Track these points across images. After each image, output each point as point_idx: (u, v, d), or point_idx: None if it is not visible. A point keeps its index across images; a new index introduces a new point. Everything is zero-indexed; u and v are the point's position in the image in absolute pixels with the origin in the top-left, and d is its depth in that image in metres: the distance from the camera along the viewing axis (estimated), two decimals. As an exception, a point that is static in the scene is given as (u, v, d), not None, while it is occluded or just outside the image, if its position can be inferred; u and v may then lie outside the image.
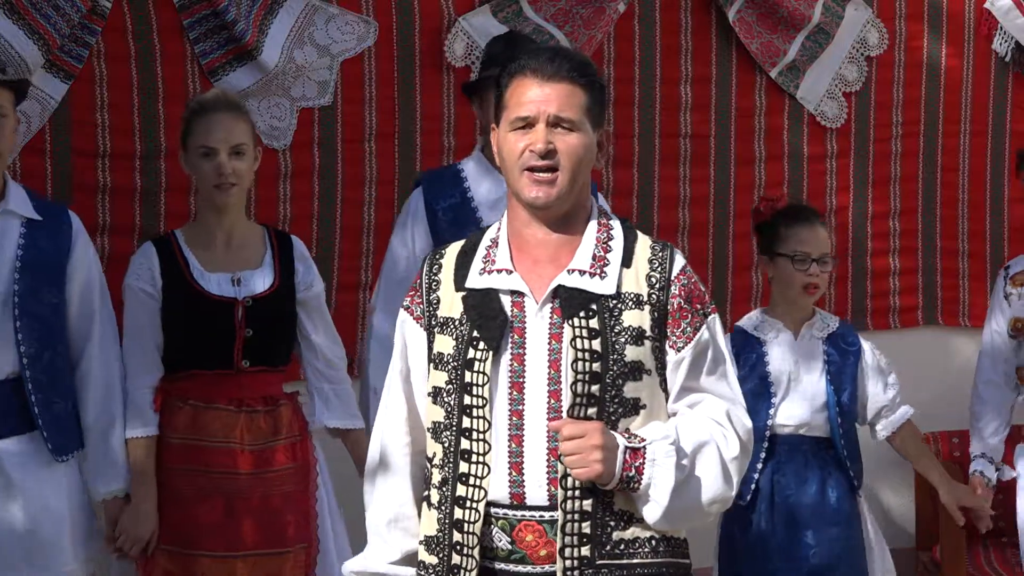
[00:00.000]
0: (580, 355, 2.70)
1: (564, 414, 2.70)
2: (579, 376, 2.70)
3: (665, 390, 2.79)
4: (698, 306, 2.79)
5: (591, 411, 2.69)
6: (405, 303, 2.91)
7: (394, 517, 2.91)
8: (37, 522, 3.63)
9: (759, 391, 4.13)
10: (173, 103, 4.68)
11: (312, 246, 4.68)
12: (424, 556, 2.83)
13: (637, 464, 2.68)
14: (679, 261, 2.81)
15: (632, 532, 2.72)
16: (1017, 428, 4.70)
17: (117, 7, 4.59)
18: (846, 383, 4.19)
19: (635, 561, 2.72)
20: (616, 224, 2.85)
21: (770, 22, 5.47)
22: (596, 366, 2.70)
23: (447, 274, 2.86)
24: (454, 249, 2.91)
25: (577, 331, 2.71)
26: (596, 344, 2.71)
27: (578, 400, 2.69)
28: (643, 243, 2.82)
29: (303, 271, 3.99)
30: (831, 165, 5.70)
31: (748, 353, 4.18)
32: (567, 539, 2.69)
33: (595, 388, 2.70)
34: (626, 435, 2.70)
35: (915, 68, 5.78)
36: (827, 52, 5.59)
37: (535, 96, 2.76)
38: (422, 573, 2.83)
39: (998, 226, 5.96)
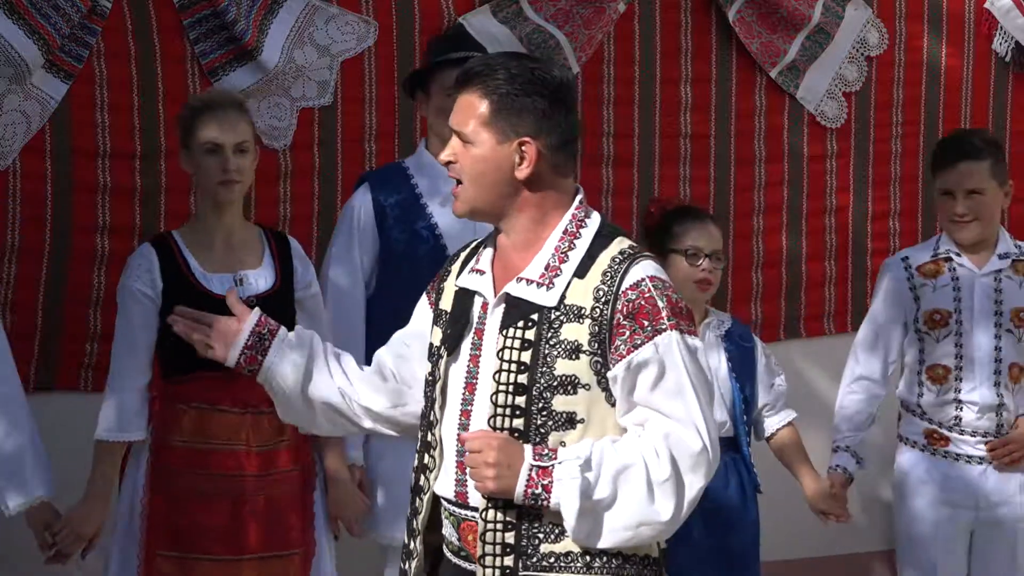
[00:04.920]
0: (505, 366, 2.68)
1: (485, 424, 2.70)
2: (500, 387, 2.68)
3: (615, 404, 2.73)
4: (644, 322, 2.66)
5: (517, 422, 2.67)
6: (428, 287, 2.97)
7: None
8: None
9: None
10: (173, 103, 4.67)
11: (312, 246, 4.68)
12: (403, 535, 2.92)
13: (545, 482, 2.63)
14: (634, 275, 2.69)
15: (564, 546, 2.68)
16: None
17: (117, 7, 4.59)
18: (746, 380, 4.19)
19: (564, 575, 2.68)
20: (587, 232, 2.77)
21: (770, 22, 5.47)
22: (522, 378, 2.67)
23: (457, 266, 2.89)
24: (473, 243, 2.94)
25: (508, 341, 2.69)
26: (526, 356, 2.67)
27: (499, 411, 2.68)
28: (608, 254, 2.74)
29: (301, 270, 3.99)
30: (831, 165, 5.70)
31: None
32: (487, 547, 2.68)
33: (520, 400, 2.67)
34: (542, 450, 2.65)
35: (915, 68, 5.79)
36: (827, 52, 5.59)
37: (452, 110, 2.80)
38: (403, 552, 2.90)
39: (998, 226, 5.96)
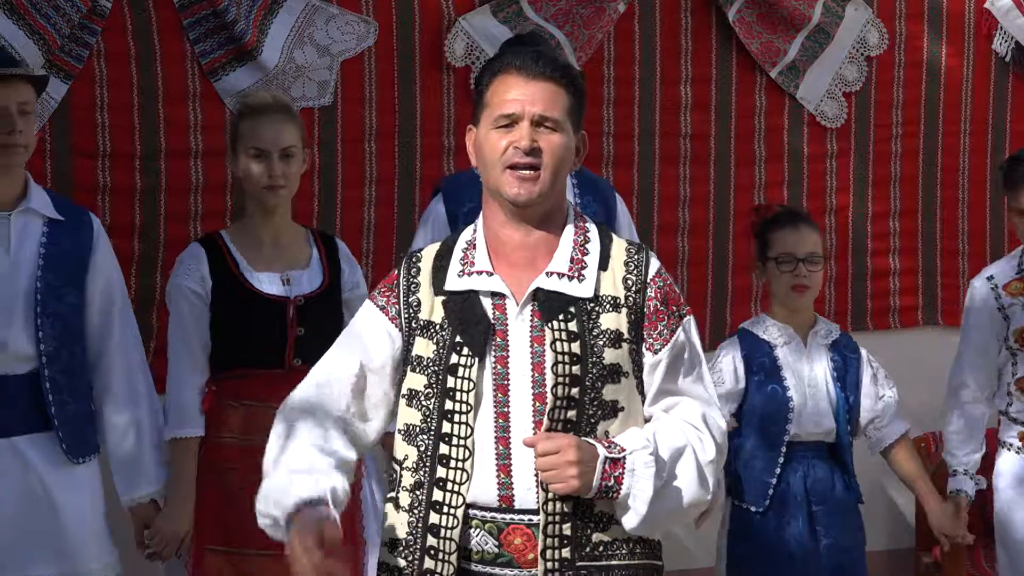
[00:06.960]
0: (561, 358, 2.69)
1: (530, 421, 2.70)
2: (559, 379, 2.69)
3: (642, 392, 2.78)
4: (674, 308, 2.79)
5: (571, 413, 2.69)
6: (380, 303, 2.86)
7: (308, 468, 2.72)
8: (62, 520, 3.63)
9: (777, 397, 4.15)
10: (173, 103, 4.68)
11: (312, 246, 4.69)
12: (387, 558, 2.80)
13: (616, 474, 2.67)
14: (654, 264, 2.81)
15: (611, 534, 2.73)
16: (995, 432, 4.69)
17: (117, 7, 4.59)
18: (850, 390, 4.23)
19: (613, 563, 2.73)
20: (592, 227, 2.85)
21: (770, 22, 5.47)
22: (576, 369, 2.69)
23: (425, 277, 2.83)
24: (430, 252, 2.88)
25: (557, 334, 2.71)
26: (575, 347, 2.70)
27: (558, 403, 2.69)
28: (618, 245, 2.83)
29: (348, 272, 4.02)
30: (831, 165, 5.70)
31: (760, 357, 4.21)
32: (548, 540, 2.68)
33: (575, 391, 2.70)
34: (605, 443, 2.69)
35: (915, 68, 5.79)
36: (827, 52, 5.59)
37: (520, 94, 2.75)
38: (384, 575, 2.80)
39: (998, 226, 5.96)
